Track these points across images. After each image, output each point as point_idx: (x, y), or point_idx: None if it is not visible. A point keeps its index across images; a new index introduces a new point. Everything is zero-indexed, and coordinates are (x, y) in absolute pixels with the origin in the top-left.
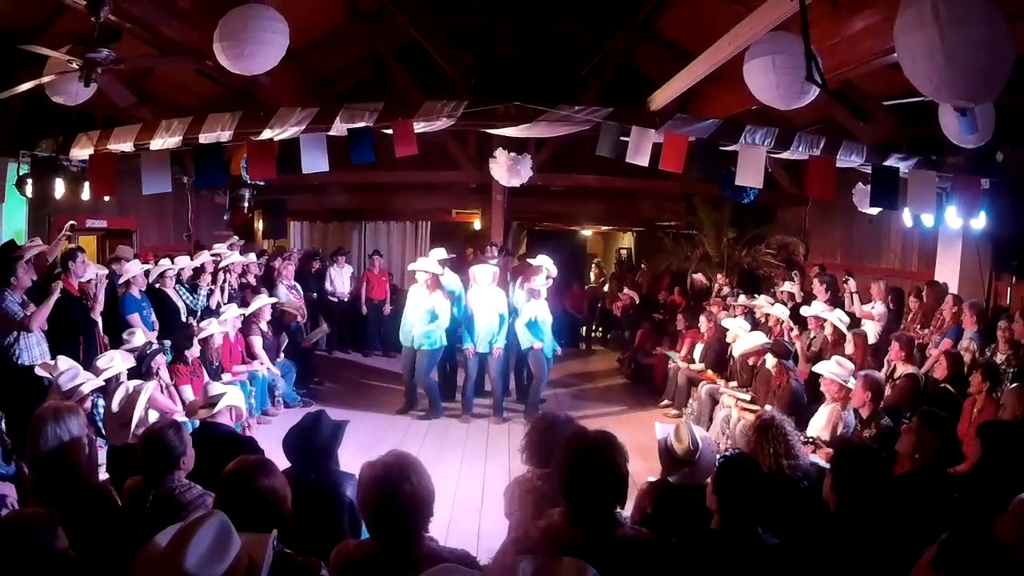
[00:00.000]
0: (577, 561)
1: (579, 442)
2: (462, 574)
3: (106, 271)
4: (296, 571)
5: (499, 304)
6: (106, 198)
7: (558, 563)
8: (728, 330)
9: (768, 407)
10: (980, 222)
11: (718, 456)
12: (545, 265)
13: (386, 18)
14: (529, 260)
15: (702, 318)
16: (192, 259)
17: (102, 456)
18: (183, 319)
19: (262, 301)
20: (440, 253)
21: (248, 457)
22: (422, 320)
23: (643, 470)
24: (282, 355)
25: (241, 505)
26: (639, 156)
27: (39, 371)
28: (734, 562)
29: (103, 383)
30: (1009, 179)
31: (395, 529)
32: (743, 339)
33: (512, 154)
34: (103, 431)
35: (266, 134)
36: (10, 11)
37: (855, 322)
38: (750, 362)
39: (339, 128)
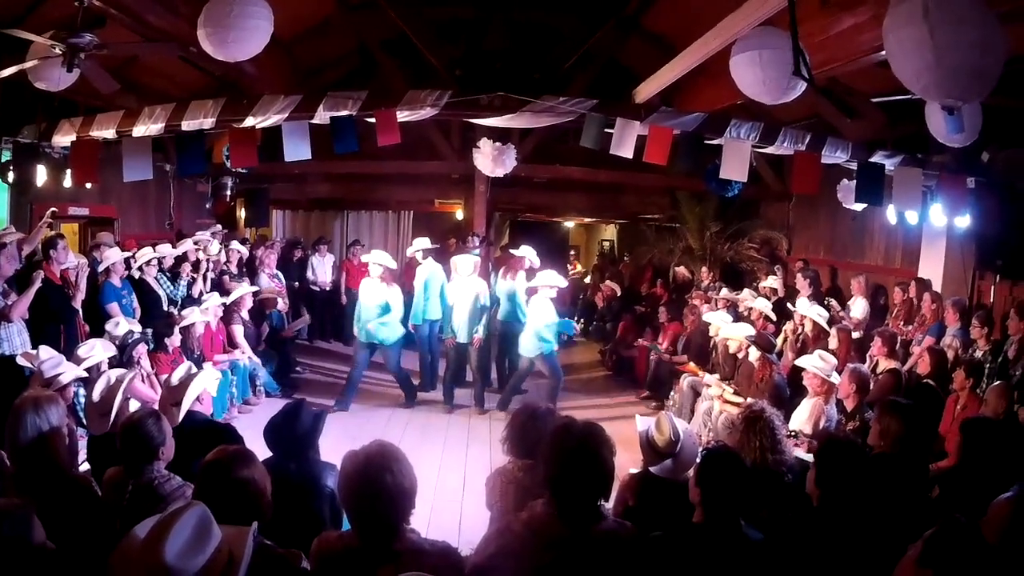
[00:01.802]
0: None
1: (566, 433)
2: None
3: (87, 260)
4: (276, 563)
5: (480, 294)
6: (88, 185)
7: None
8: (711, 324)
9: (755, 400)
10: (964, 221)
11: (700, 449)
12: (528, 256)
13: (375, 9)
14: (512, 251)
15: (685, 311)
16: (174, 247)
17: (84, 446)
18: (164, 308)
19: (242, 290)
20: (424, 242)
21: (228, 448)
22: (376, 314)
23: (625, 462)
24: (263, 344)
25: (220, 496)
26: (623, 148)
27: (21, 361)
28: (717, 556)
29: (84, 372)
30: (994, 179)
31: (376, 520)
32: (731, 326)
33: (496, 143)
34: (84, 421)
35: (249, 121)
36: None
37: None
38: (731, 349)
39: (322, 116)
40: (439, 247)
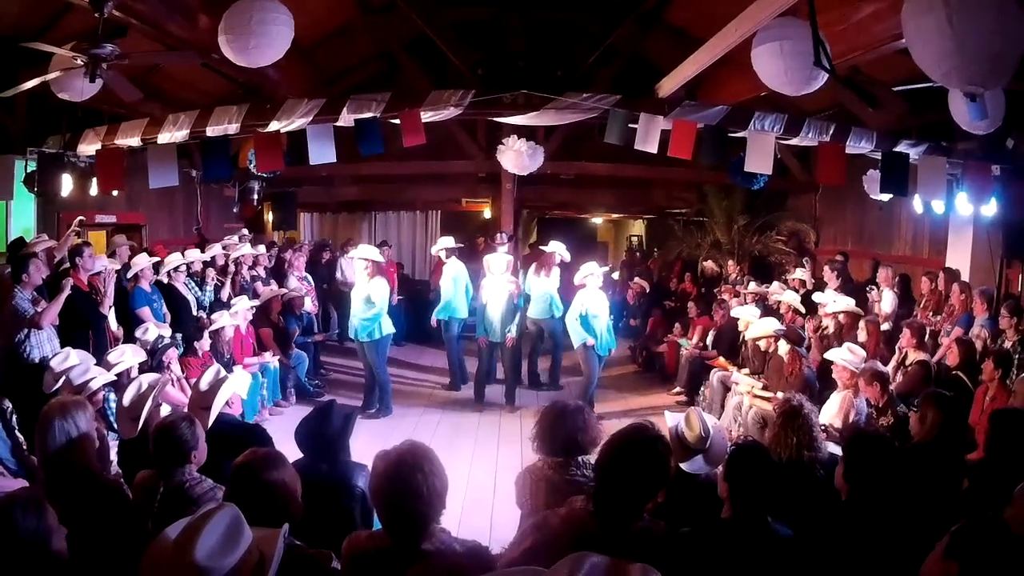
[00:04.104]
0: (645, 567)
1: (636, 435)
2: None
3: (117, 265)
4: (306, 564)
5: (513, 293)
6: (114, 193)
7: (628, 567)
8: (740, 318)
9: (792, 394)
10: (991, 209)
11: (730, 444)
12: (558, 251)
13: (395, 12)
14: (541, 247)
15: (714, 306)
16: (203, 252)
17: (115, 450)
18: (193, 312)
19: (271, 292)
20: (448, 241)
21: (258, 450)
22: (361, 309)
23: None
24: (294, 346)
25: (251, 499)
26: (648, 143)
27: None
28: (745, 551)
29: (113, 377)
30: (1020, 165)
31: (406, 520)
32: (757, 323)
33: (522, 141)
34: (115, 425)
35: (273, 126)
36: (15, 11)
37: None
38: (762, 346)
39: (346, 119)
40: (462, 246)
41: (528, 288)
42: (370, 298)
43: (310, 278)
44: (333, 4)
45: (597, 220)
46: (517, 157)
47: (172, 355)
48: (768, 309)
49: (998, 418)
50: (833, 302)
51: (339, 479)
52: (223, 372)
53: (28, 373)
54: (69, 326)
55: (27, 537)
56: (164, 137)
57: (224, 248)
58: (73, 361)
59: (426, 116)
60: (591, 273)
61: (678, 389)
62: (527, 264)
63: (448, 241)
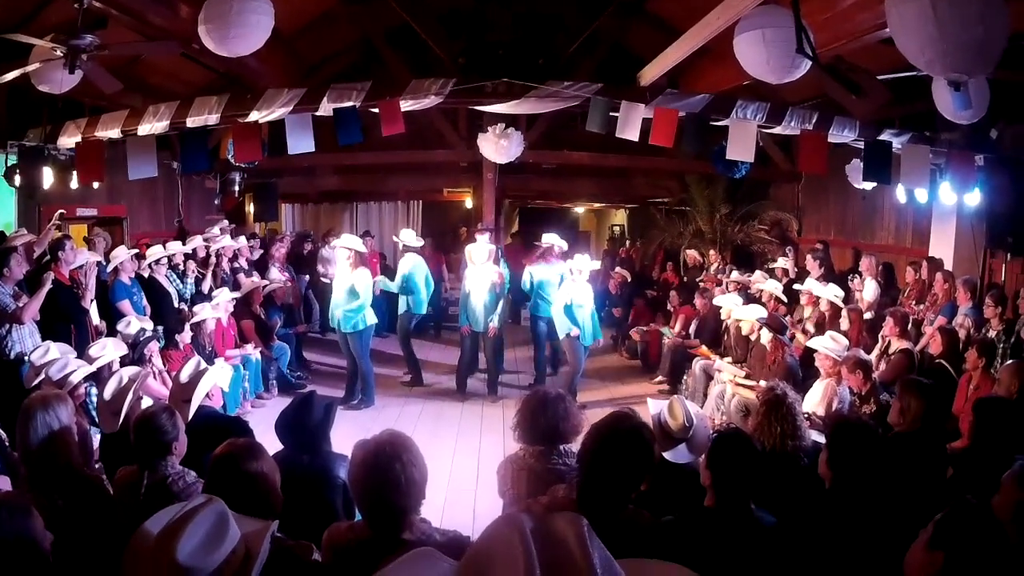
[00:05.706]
0: (573, 514)
1: (618, 424)
2: (437, 559)
3: (98, 258)
4: (287, 556)
5: (495, 283)
6: (95, 185)
7: (555, 517)
8: (722, 307)
9: (775, 383)
10: (974, 198)
11: (712, 432)
12: (555, 243)
13: (376, 0)
14: (536, 242)
15: (696, 295)
16: (184, 244)
17: (97, 444)
18: (175, 305)
19: (252, 284)
20: (410, 234)
21: (237, 441)
22: (344, 300)
23: None
24: (275, 338)
25: (230, 490)
26: (628, 131)
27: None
28: (729, 539)
29: (92, 369)
30: (1004, 155)
31: (385, 510)
32: (743, 309)
33: (503, 130)
34: (97, 419)
35: (253, 116)
36: None
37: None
38: (744, 330)
39: (326, 108)
40: (423, 245)
41: (528, 280)
42: (353, 289)
43: (292, 269)
44: None
45: (579, 209)
46: (498, 145)
47: (153, 348)
48: (750, 298)
49: (982, 406)
50: (821, 287)
51: (320, 470)
52: (203, 364)
53: (9, 369)
54: (51, 320)
55: (12, 539)
56: (144, 128)
57: (205, 240)
58: (53, 355)
59: (406, 105)
60: (582, 268)
61: (660, 378)
62: (508, 255)
63: (410, 234)
